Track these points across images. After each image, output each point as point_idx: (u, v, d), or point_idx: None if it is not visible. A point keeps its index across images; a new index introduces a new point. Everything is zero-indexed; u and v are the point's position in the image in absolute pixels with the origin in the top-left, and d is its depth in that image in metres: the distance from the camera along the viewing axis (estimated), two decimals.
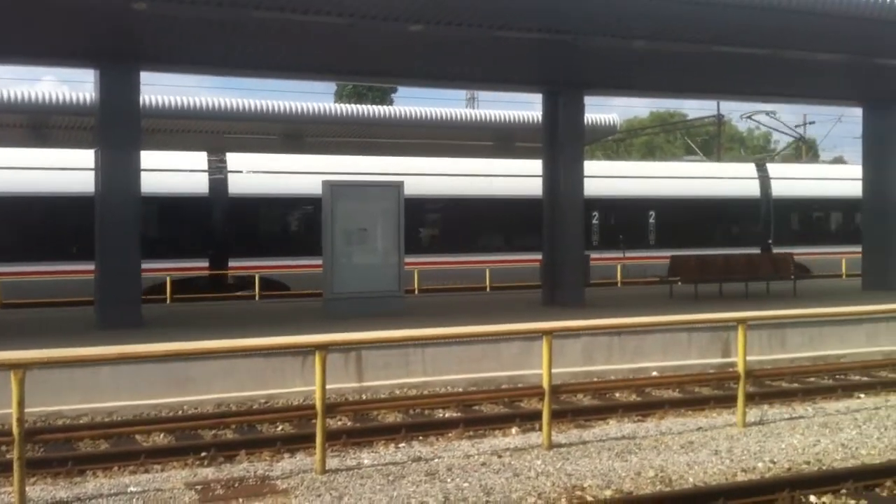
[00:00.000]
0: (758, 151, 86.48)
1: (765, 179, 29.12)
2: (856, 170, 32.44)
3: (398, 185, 17.15)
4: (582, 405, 11.68)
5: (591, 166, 26.39)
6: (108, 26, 14.33)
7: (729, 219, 28.35)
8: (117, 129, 15.25)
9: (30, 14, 13.44)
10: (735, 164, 32.91)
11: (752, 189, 28.80)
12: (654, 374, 13.44)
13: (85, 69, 18.25)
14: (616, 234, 26.61)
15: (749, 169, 29.90)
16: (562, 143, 18.32)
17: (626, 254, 26.28)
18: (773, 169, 30.14)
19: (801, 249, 25.84)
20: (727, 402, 11.38)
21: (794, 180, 29.56)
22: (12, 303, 19.55)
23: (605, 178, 26.19)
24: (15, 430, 7.02)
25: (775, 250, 27.47)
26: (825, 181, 30.03)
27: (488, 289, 23.52)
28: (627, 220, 26.90)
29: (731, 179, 28.66)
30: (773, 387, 12.85)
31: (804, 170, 31.54)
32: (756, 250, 27.68)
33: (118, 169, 15.20)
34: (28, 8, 13.09)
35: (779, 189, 29.01)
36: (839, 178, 30.09)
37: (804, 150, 63.65)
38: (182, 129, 28.16)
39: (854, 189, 28.71)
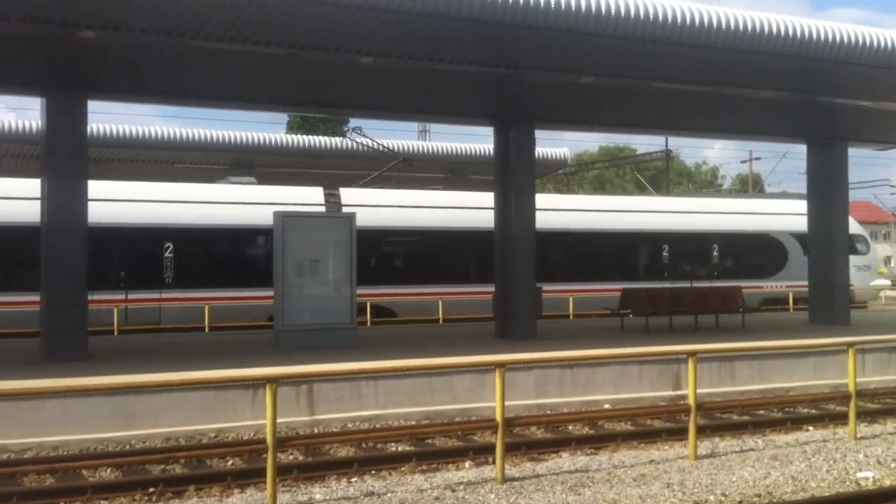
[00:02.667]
0: (705, 186, 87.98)
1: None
2: (471, 196, 25.97)
3: (350, 217, 17.10)
4: (535, 438, 11.67)
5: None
6: (56, 54, 14.16)
7: (243, 252, 23.25)
8: (64, 158, 15.01)
9: None
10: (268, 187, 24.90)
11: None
12: (607, 406, 13.48)
13: (32, 97, 17.95)
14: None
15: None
16: (513, 175, 18.42)
17: (129, 295, 21.22)
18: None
19: (371, 290, 22.02)
20: (679, 434, 11.44)
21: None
22: None
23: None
24: None
25: None
26: (419, 209, 24.86)
27: (441, 321, 23.48)
28: (133, 253, 21.67)
29: (246, 205, 22.80)
30: (723, 419, 12.96)
31: (380, 196, 25.11)
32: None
33: (64, 199, 14.95)
34: None
35: None
36: (439, 206, 25.24)
37: (751, 184, 64.78)
38: (131, 158, 27.95)
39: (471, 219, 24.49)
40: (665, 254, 27.84)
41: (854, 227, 29.97)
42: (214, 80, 16.04)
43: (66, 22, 12.39)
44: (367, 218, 21.42)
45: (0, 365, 13.59)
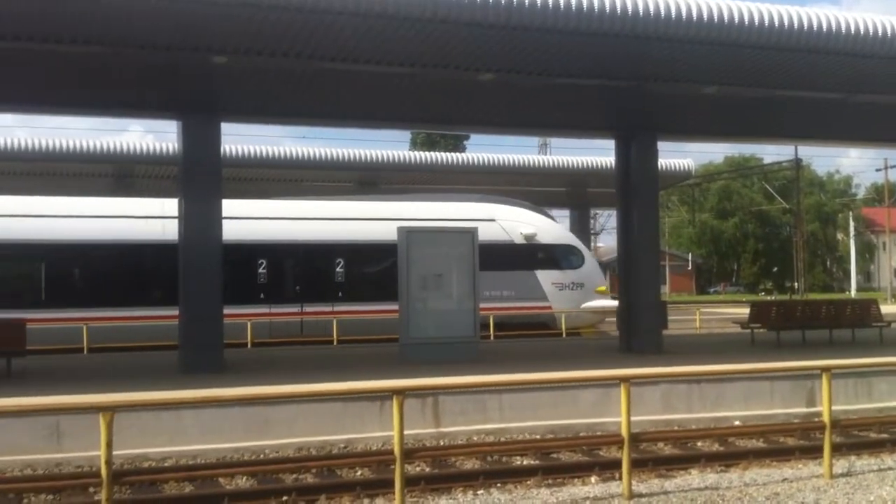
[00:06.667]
0: (838, 195, 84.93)
1: None
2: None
3: (472, 231, 17.26)
4: (663, 454, 11.48)
5: None
6: (190, 79, 14.83)
7: None
8: (199, 178, 15.66)
9: (116, 68, 13.98)
10: None
11: None
12: (737, 423, 13.16)
13: (169, 120, 18.79)
14: None
15: None
16: (635, 188, 18.22)
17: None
18: None
19: None
20: (813, 452, 11.08)
21: None
22: (98, 347, 19.98)
23: None
24: (103, 471, 7.22)
25: None
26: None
27: (564, 334, 23.38)
28: None
29: None
30: (860, 437, 12.48)
31: None
32: None
33: (200, 217, 15.59)
34: (115, 63, 13.63)
35: None
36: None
37: (886, 193, 62.20)
38: (262, 177, 28.92)
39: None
40: (263, 270, 22.51)
41: (562, 235, 26.05)
42: (340, 99, 16.46)
43: (199, 48, 12.99)
44: None
45: (139, 377, 14.22)
